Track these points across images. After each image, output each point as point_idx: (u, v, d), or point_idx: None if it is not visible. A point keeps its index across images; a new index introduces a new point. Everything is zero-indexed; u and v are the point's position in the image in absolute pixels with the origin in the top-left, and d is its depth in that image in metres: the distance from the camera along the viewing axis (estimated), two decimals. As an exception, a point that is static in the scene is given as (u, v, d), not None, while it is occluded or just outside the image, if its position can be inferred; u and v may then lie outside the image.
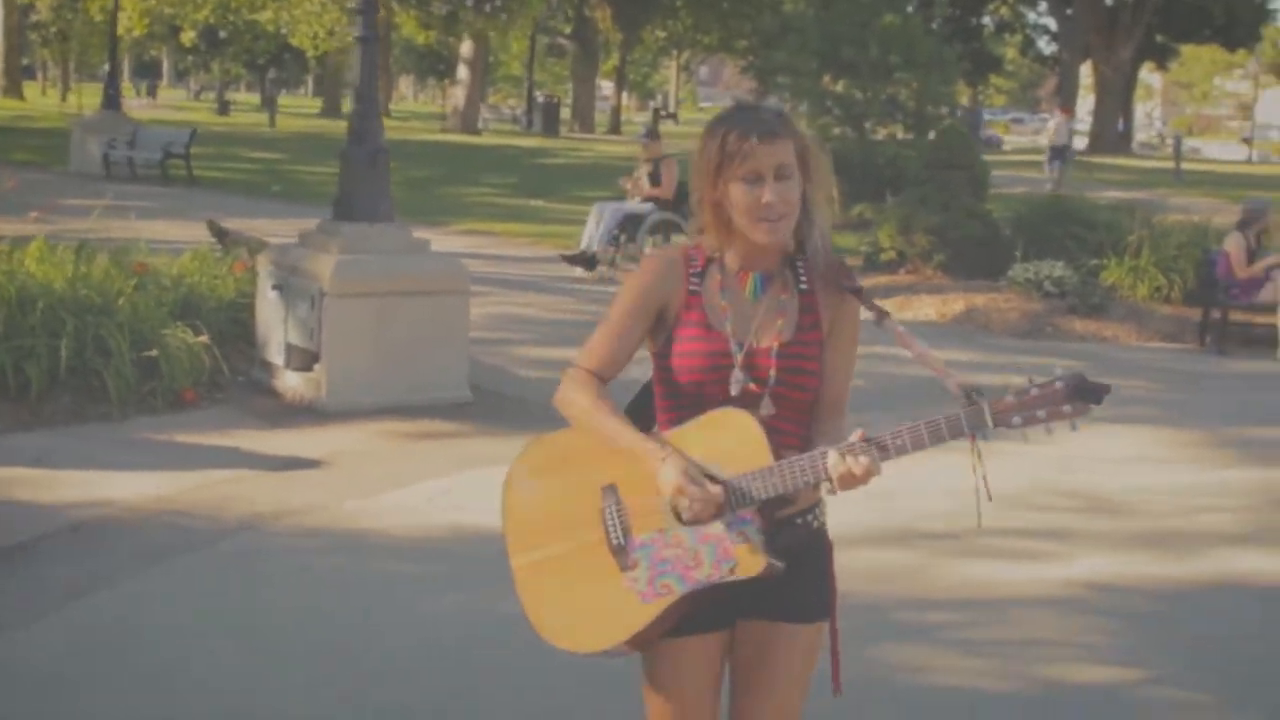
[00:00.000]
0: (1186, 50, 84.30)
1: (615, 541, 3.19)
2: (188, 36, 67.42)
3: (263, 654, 5.64)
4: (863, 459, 3.07)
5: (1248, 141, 76.13)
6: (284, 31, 59.92)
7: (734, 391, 3.22)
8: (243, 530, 7.16)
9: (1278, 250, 15.10)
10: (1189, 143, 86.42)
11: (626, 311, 3.31)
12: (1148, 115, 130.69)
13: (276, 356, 10.05)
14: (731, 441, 3.16)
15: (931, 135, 21.88)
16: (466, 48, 55.51)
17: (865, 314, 3.30)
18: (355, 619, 6.04)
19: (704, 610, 3.20)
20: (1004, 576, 6.84)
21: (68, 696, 5.15)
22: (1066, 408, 3.06)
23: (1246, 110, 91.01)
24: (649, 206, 17.69)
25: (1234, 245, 14.49)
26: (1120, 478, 8.60)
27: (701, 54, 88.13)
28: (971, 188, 17.73)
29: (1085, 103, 71.99)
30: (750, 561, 3.14)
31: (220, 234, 12.75)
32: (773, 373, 3.25)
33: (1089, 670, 5.81)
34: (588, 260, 17.26)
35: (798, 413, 3.29)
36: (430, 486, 8.04)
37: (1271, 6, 69.11)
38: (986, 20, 70.82)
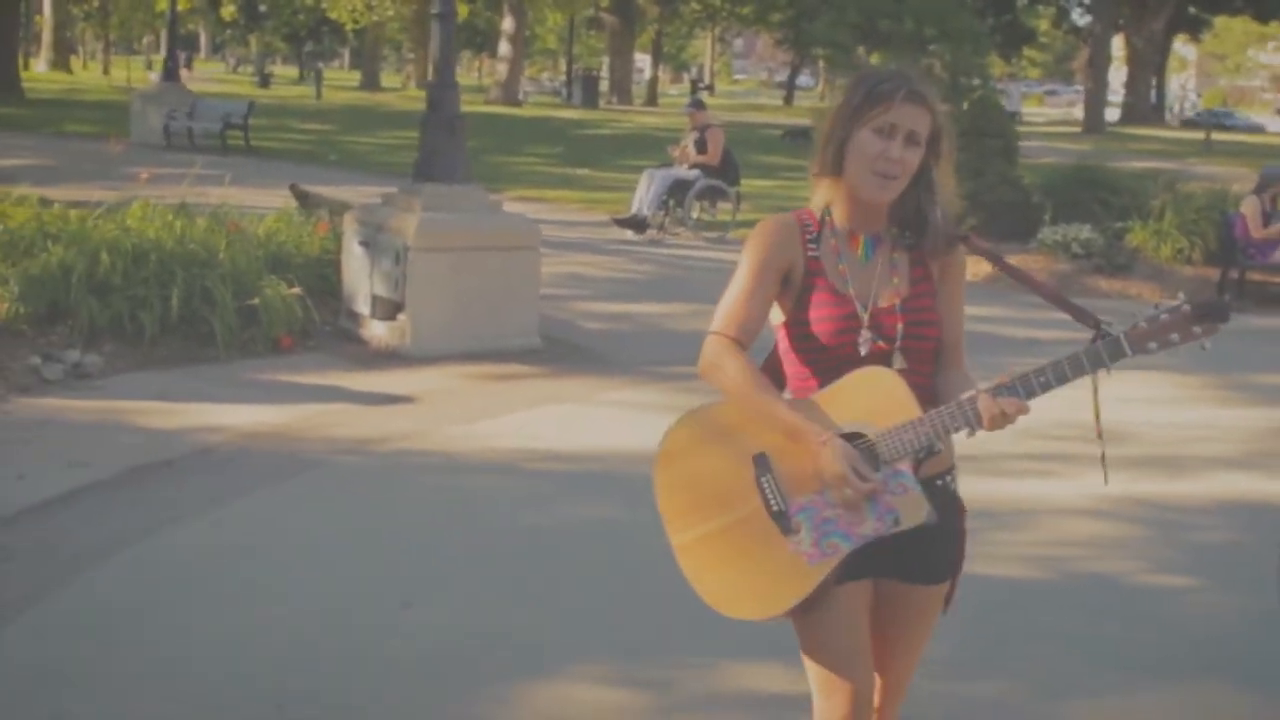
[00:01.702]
0: (1219, 22, 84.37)
1: (776, 508, 3.25)
2: (228, 10, 68.26)
3: (380, 557, 6.57)
4: (1011, 399, 3.18)
5: (1280, 113, 76.37)
6: (323, 5, 60.85)
7: (863, 350, 3.31)
8: (354, 451, 8.11)
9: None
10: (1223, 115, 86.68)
11: (755, 276, 3.36)
12: (1182, 87, 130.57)
13: (363, 307, 10.97)
14: (879, 398, 3.25)
15: (965, 105, 22.59)
16: (508, 22, 56.25)
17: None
18: (464, 526, 6.97)
19: (850, 560, 3.27)
20: (1026, 493, 7.72)
21: (218, 585, 6.10)
22: (1196, 329, 3.14)
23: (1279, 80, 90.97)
24: (696, 173, 18.60)
25: (1250, 208, 15.30)
26: (1134, 414, 9.45)
27: (737, 26, 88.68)
28: (1004, 155, 18.52)
29: (1120, 75, 72.31)
30: (913, 512, 3.24)
31: (303, 197, 13.67)
32: (900, 328, 3.34)
33: (1102, 564, 6.69)
34: (639, 223, 18.16)
35: (924, 364, 3.38)
36: (514, 418, 8.96)
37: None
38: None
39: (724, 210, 19.19)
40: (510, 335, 10.81)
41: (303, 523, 6.92)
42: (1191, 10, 70.28)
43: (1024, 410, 3.17)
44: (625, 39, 66.76)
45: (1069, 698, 5.20)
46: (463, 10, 59.47)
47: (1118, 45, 67.75)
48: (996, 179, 18.17)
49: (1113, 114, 62.46)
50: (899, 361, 3.31)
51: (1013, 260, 16.03)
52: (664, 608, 5.41)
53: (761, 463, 3.26)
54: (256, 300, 10.34)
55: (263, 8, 72.62)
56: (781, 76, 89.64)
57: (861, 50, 24.36)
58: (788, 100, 73.98)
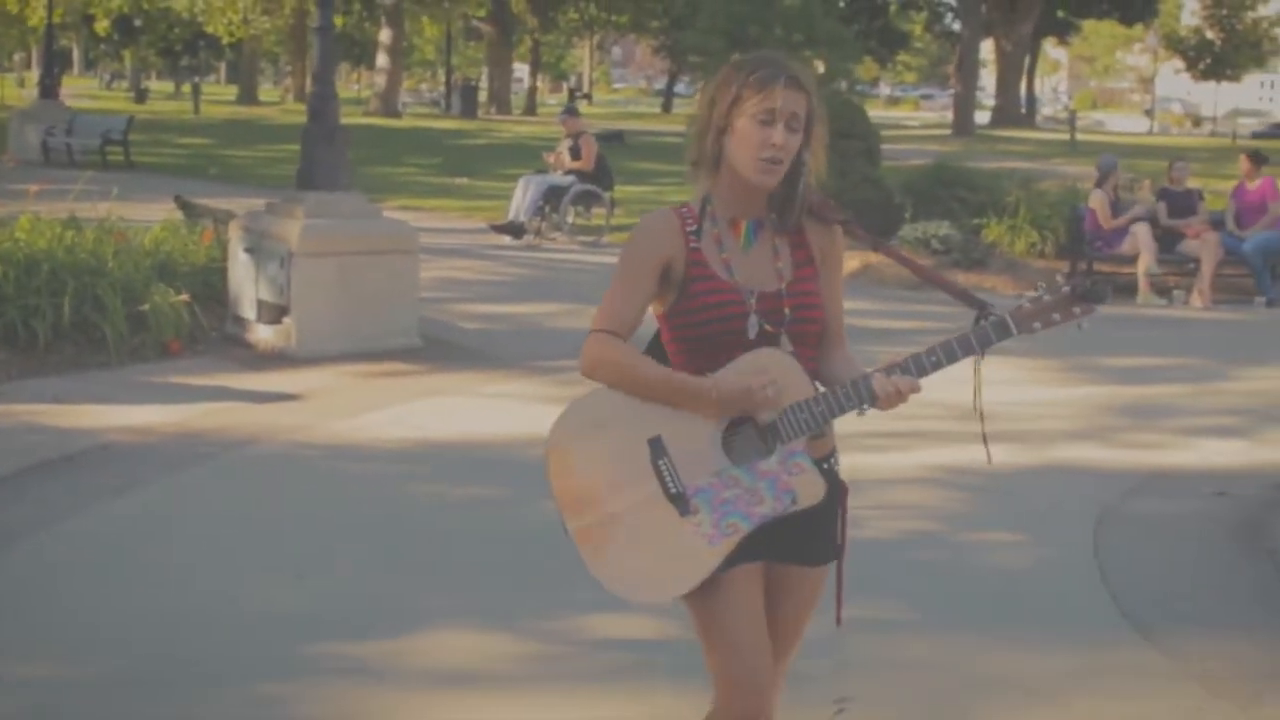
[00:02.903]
0: (1087, 25, 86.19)
1: (674, 490, 3.30)
2: (102, 25, 67.67)
3: (273, 536, 7.08)
4: (905, 378, 3.33)
5: (1149, 114, 78.18)
6: (199, 19, 60.70)
7: (752, 335, 3.37)
8: (246, 444, 8.58)
9: (1139, 203, 16.83)
10: (1093, 116, 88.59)
11: (633, 272, 3.41)
12: (1054, 89, 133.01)
13: (249, 312, 11.40)
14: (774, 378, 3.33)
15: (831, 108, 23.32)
16: (385, 34, 56.44)
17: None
18: (351, 506, 7.49)
19: (743, 543, 3.34)
20: (882, 464, 8.33)
21: (110, 578, 6.57)
22: (1076, 309, 3.38)
23: (1147, 84, 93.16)
24: (571, 179, 19.21)
25: (1097, 201, 16.13)
26: (987, 393, 10.15)
27: (614, 35, 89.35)
28: (866, 156, 19.26)
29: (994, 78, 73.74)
30: (810, 491, 3.35)
31: (187, 207, 14.07)
32: (787, 311, 3.40)
33: (945, 525, 7.34)
34: (516, 229, 18.71)
35: (809, 347, 3.46)
36: (396, 411, 9.46)
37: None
38: (894, -2, 72.45)
39: (598, 215, 19.78)
40: (392, 335, 11.29)
41: (201, 508, 7.40)
42: (1060, 14, 71.74)
43: (916, 388, 3.35)
44: (503, 49, 67.14)
45: (896, 634, 5.81)
46: (339, 21, 59.66)
47: (990, 49, 69.06)
48: (859, 179, 18.87)
49: (986, 117, 63.81)
50: (785, 344, 3.39)
51: (874, 258, 16.90)
52: (534, 573, 6.02)
53: (657, 446, 3.32)
54: (146, 307, 10.74)
55: (137, 22, 72.12)
56: (660, 84, 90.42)
57: (736, 57, 24.88)
58: (666, 108, 74.73)
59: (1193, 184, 17.25)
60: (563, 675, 5.37)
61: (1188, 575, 6.80)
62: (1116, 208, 16.11)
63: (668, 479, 3.31)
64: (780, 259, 3.46)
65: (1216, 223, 16.27)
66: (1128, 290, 15.69)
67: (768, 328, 3.39)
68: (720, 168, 3.45)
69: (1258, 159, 16.84)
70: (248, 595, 6.09)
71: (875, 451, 8.57)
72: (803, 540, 3.48)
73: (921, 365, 3.37)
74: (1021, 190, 18.41)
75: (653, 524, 3.31)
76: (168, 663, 5.33)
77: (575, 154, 19.32)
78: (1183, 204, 16.41)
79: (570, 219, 19.52)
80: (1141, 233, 15.63)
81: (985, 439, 3.77)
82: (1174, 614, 6.19)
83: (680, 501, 3.30)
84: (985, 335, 3.37)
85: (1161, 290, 15.94)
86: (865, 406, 3.37)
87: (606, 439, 3.37)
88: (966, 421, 9.20)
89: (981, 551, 6.99)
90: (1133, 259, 15.68)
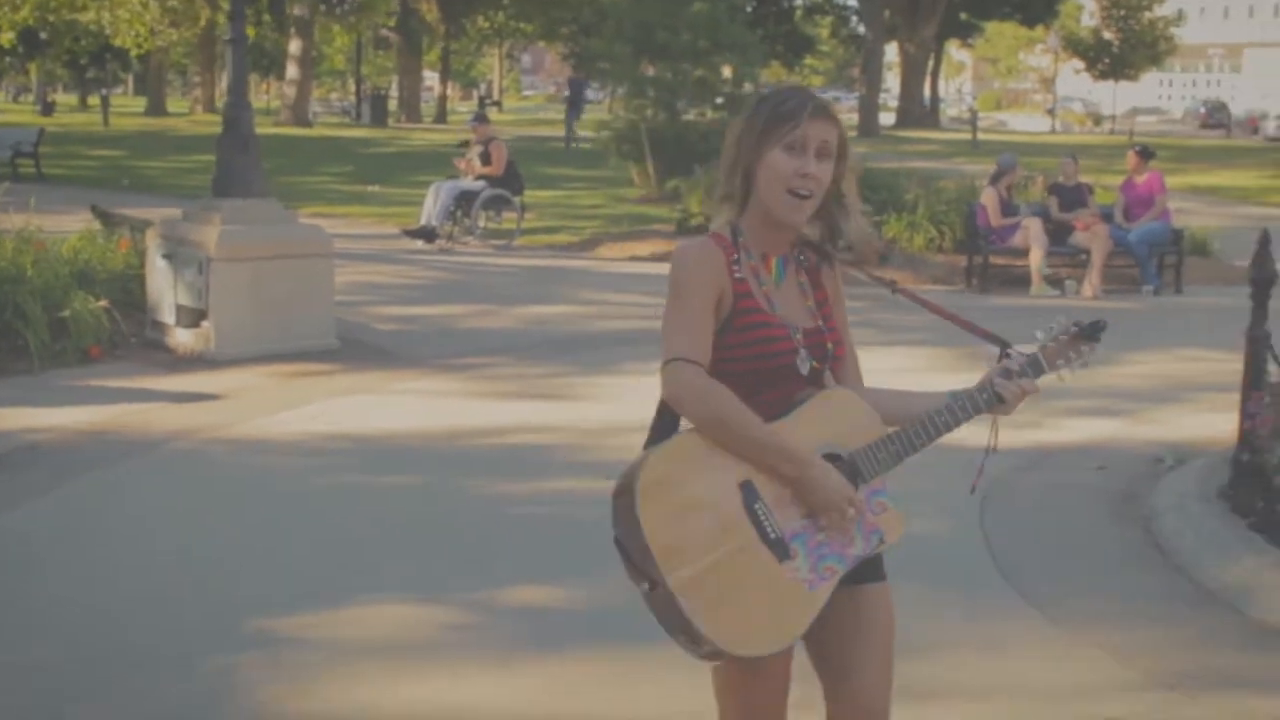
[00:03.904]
0: (990, 27, 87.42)
1: (773, 535, 3.21)
2: (6, 38, 67.03)
3: (197, 525, 7.40)
4: (1028, 380, 3.49)
5: (1051, 113, 79.29)
6: (107, 31, 60.31)
7: (804, 371, 3.34)
8: (169, 442, 8.88)
9: (1027, 202, 17.41)
10: (997, 116, 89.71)
11: (698, 302, 3.29)
12: (958, 90, 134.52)
13: (168, 316, 11.67)
14: (845, 422, 3.35)
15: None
16: (295, 44, 56.41)
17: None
18: (271, 496, 7.82)
19: None
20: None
21: (44, 570, 6.88)
22: (1085, 347, 3.53)
23: (1049, 84, 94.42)
24: (481, 184, 19.56)
25: (989, 198, 16.65)
26: (875, 382, 10.60)
27: (524, 43, 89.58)
28: (770, 157, 19.71)
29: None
30: (895, 528, 3.38)
31: (104, 216, 14.27)
32: (830, 347, 3.40)
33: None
34: (428, 234, 19.05)
35: (839, 380, 3.47)
36: (313, 408, 9.78)
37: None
38: (799, 2, 73.14)
39: (509, 219, 20.13)
40: (308, 337, 11.59)
41: (127, 503, 7.70)
42: (962, 16, 72.71)
43: (1037, 389, 3.48)
44: (412, 58, 67.25)
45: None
46: (249, 33, 59.46)
47: (895, 52, 69.91)
48: (764, 181, 19.32)
49: (893, 118, 64.66)
50: (830, 380, 3.41)
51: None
52: (451, 551, 6.41)
53: (750, 490, 3.22)
54: (66, 313, 11.00)
55: (43, 35, 71.49)
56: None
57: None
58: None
59: (1084, 179, 17.81)
60: (482, 644, 5.73)
61: (1065, 541, 7.27)
62: (1008, 205, 16.64)
63: (766, 524, 3.21)
64: (807, 296, 3.44)
65: (1106, 216, 16.84)
66: (1021, 282, 16.20)
67: (815, 364, 3.37)
68: (749, 203, 3.39)
69: (1145, 154, 17.46)
70: (176, 582, 6.41)
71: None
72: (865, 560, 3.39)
73: (1039, 365, 3.50)
74: (920, 188, 18.99)
75: (753, 571, 3.19)
76: (101, 646, 5.63)
77: (485, 159, 19.67)
78: (1073, 198, 16.96)
79: (481, 223, 19.85)
80: (1033, 227, 16.17)
81: (980, 471, 3.79)
82: (1050, 575, 6.66)
83: (779, 546, 3.21)
84: (1038, 364, 3.51)
85: (1054, 281, 16.49)
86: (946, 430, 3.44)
87: (695, 485, 3.21)
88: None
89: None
90: (1025, 252, 16.21)
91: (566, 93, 51.17)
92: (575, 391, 10.47)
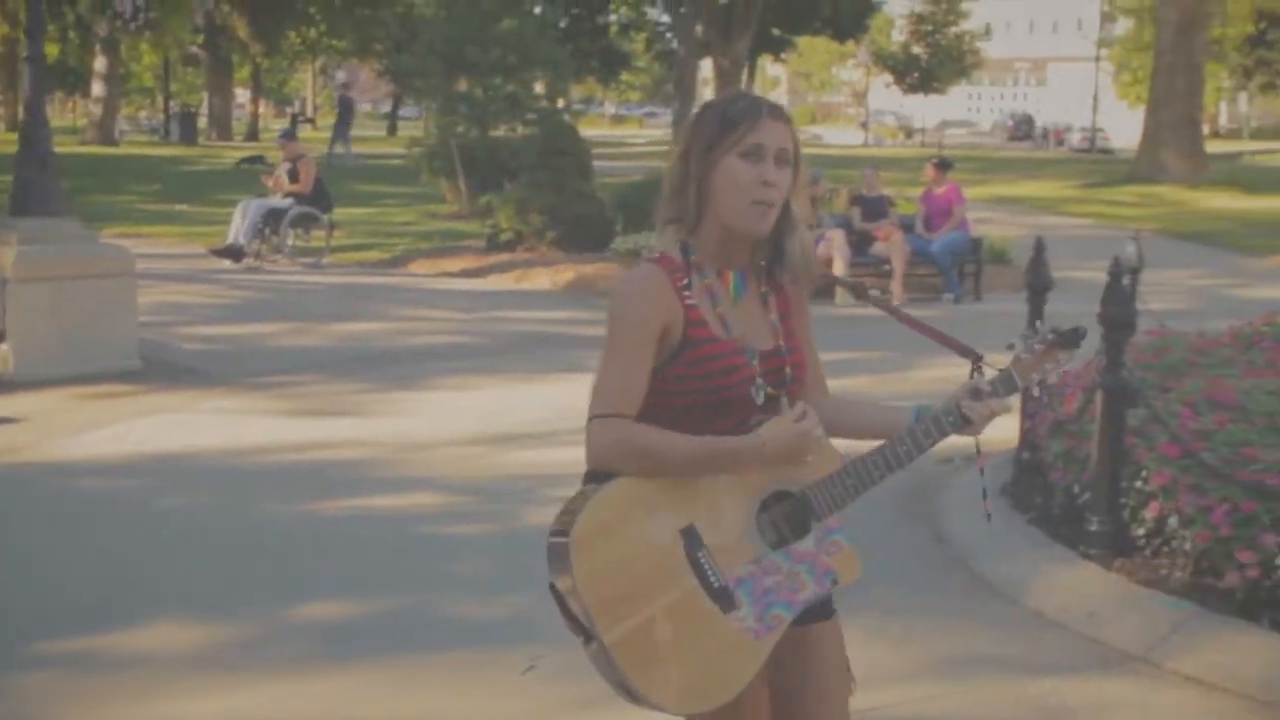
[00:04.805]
0: (803, 42, 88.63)
1: (717, 584, 3.01)
2: None
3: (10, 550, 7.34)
4: (998, 400, 3.21)
5: (864, 127, 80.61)
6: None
7: (760, 400, 3.12)
8: (-34, 464, 8.79)
9: (831, 214, 17.79)
10: (812, 129, 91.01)
11: (633, 343, 3.04)
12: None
13: (-37, 339, 11.50)
14: None
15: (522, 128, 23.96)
16: (100, 62, 55.39)
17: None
18: (71, 516, 7.77)
19: None
20: (576, 457, 8.89)
21: None
22: (1062, 356, 3.28)
23: (861, 98, 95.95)
24: (289, 202, 19.46)
25: (792, 210, 17.00)
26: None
27: (338, 59, 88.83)
28: (579, 171, 19.93)
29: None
30: (850, 569, 3.19)
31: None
32: (788, 371, 3.18)
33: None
34: (235, 252, 18.89)
35: (795, 399, 3.22)
36: (116, 428, 9.70)
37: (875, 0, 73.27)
38: (613, 18, 73.54)
39: (318, 237, 20.04)
40: (111, 357, 11.46)
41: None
42: (775, 32, 73.62)
43: (1008, 408, 3.25)
44: (222, 75, 66.39)
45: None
46: (52, 50, 58.22)
47: (710, 66, 70.59)
48: (573, 194, 19.53)
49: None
50: (787, 407, 3.15)
51: (589, 270, 17.48)
52: (245, 567, 6.47)
53: (692, 536, 3.01)
54: None
55: None
56: (386, 107, 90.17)
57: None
58: (391, 131, 74.69)
59: (889, 190, 18.24)
60: (279, 656, 5.78)
61: (854, 538, 7.48)
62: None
63: (709, 572, 3.01)
64: (770, 310, 3.21)
65: (906, 226, 17.26)
66: (827, 292, 16.52)
67: (770, 391, 3.13)
68: (703, 220, 3.12)
69: (943, 165, 17.94)
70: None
71: (570, 446, 9.17)
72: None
73: (1011, 382, 3.25)
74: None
75: (696, 623, 2.99)
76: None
77: (293, 177, 19.58)
78: (875, 209, 17.36)
79: (290, 241, 19.74)
80: (836, 238, 16.51)
81: (985, 493, 3.64)
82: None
83: (724, 596, 3.01)
84: (1011, 381, 3.26)
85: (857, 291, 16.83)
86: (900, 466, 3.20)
87: (633, 534, 2.99)
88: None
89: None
90: (828, 263, 16.55)
91: (337, 109, 51.14)
92: (383, 407, 10.50)
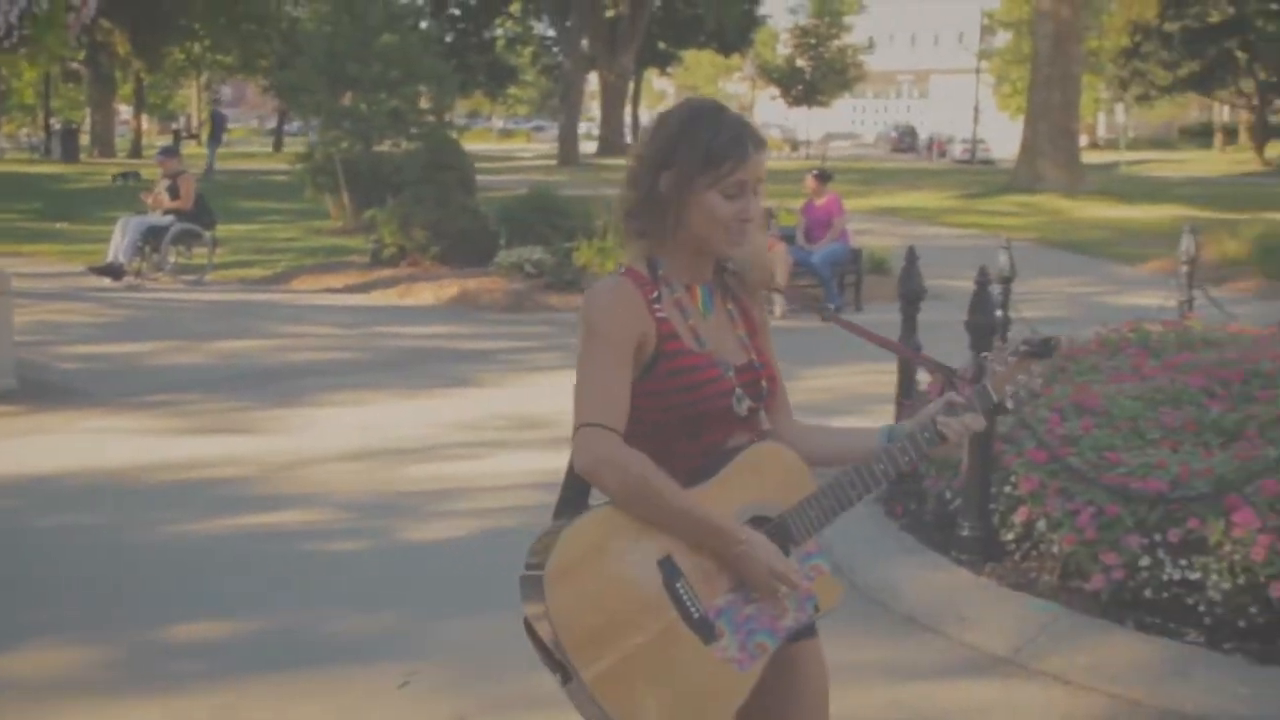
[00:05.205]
0: (689, 55, 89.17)
1: (697, 615, 2.94)
2: None
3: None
4: (975, 415, 3.17)
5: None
6: None
7: (741, 413, 3.10)
8: None
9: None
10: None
11: (614, 355, 2.98)
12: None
13: None
14: (773, 480, 3.09)
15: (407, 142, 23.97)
16: (-24, 79, 54.56)
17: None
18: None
19: None
20: (457, 471, 8.94)
21: None
22: (1035, 367, 3.21)
23: (747, 111, 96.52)
24: (170, 219, 19.28)
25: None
26: (558, 405, 10.84)
27: (223, 75, 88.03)
28: (462, 186, 19.94)
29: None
30: (830, 594, 3.14)
31: None
32: (763, 384, 3.16)
33: (523, 516, 7.93)
34: (115, 270, 18.67)
35: (771, 420, 3.24)
36: (-8, 449, 9.63)
37: (760, 13, 73.84)
38: (500, 33, 73.54)
39: (200, 254, 19.87)
40: (-15, 379, 11.35)
41: None
42: (660, 45, 74.00)
43: (983, 425, 3.20)
44: (104, 91, 65.60)
45: (477, 617, 6.38)
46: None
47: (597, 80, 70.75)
48: (457, 209, 19.54)
49: (591, 146, 65.38)
50: (765, 421, 3.18)
51: (472, 284, 17.47)
52: (129, 588, 6.41)
53: (669, 567, 2.94)
54: None
55: None
56: (272, 123, 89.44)
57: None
58: (277, 147, 74.11)
59: (770, 202, 18.37)
60: (154, 677, 5.72)
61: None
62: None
63: (688, 603, 2.94)
64: (737, 325, 3.18)
65: (787, 237, 17.40)
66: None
67: (750, 404, 3.11)
68: (674, 236, 3.08)
69: (822, 177, 18.12)
70: None
71: (453, 460, 9.21)
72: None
73: (987, 397, 3.21)
74: (610, 214, 19.30)
75: (677, 656, 2.92)
76: None
77: (174, 193, 19.41)
78: (756, 221, 17.46)
79: (172, 259, 19.57)
80: (779, 249, 16.59)
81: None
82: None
83: (704, 627, 2.95)
84: (987, 398, 3.21)
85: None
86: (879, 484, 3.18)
87: (611, 566, 2.91)
88: (537, 429, 9.90)
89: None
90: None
91: (210, 124, 51.08)
92: (264, 425, 10.45)
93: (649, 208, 3.06)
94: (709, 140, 3.00)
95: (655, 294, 3.05)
